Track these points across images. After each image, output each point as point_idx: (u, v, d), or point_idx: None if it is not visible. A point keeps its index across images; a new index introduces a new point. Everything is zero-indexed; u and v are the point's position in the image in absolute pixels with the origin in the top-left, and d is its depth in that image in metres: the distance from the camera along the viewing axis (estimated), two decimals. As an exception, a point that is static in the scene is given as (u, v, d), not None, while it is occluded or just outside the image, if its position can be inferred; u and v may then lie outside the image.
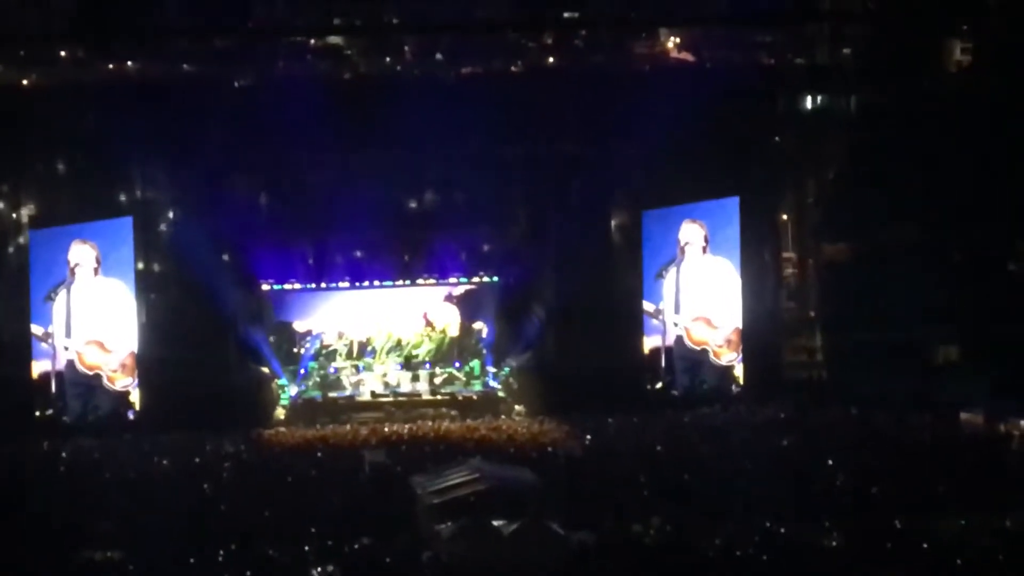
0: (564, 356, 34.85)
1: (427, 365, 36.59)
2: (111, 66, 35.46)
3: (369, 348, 36.57)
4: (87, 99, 33.94)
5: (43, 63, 35.32)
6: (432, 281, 37.02)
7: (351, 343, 36.46)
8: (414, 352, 36.47)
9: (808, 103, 37.06)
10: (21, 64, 35.24)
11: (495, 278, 37.09)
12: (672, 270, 34.89)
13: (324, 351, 36.31)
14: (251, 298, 36.22)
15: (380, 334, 36.64)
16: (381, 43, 36.12)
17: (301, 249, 36.70)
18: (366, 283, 36.71)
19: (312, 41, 36.12)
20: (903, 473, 23.36)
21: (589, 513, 20.51)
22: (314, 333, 36.42)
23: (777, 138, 36.72)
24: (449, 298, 36.93)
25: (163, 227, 35.30)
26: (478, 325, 37.12)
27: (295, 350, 36.15)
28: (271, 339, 36.07)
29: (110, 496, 23.73)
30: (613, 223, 35.69)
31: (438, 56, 36.16)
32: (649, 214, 34.89)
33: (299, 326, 36.49)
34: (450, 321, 36.94)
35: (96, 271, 33.29)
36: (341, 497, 22.84)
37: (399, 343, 36.43)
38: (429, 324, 36.82)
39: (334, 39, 36.08)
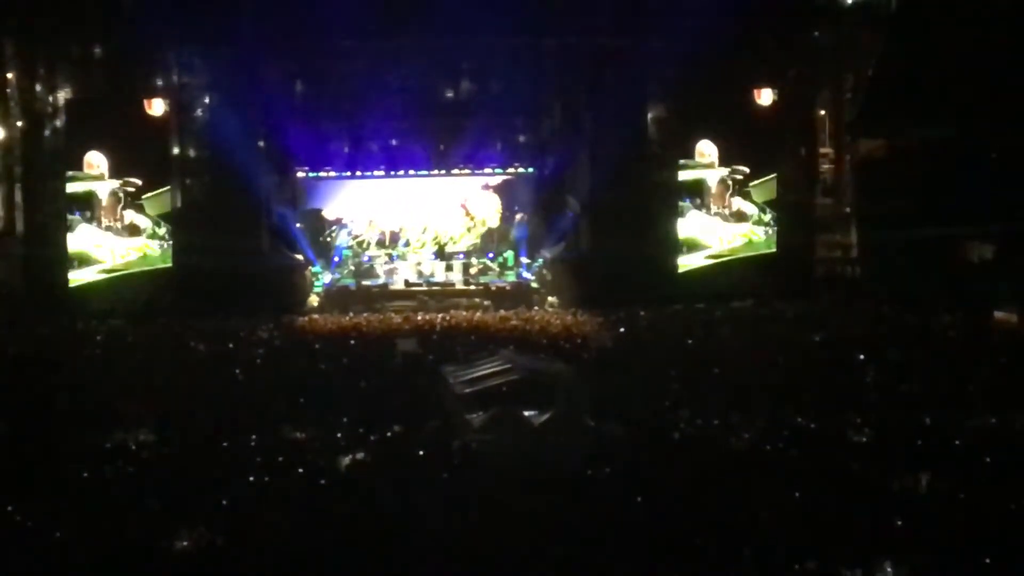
0: (598, 248, 34.86)
1: (461, 255, 36.66)
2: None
3: (403, 240, 36.66)
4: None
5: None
6: (467, 171, 37.06)
7: (384, 233, 36.54)
8: (452, 243, 36.54)
9: (849, -5, 36.74)
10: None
11: (530, 169, 37.10)
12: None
13: (357, 240, 36.41)
14: (286, 185, 36.31)
15: (415, 225, 36.71)
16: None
17: (336, 137, 36.72)
18: (401, 172, 36.76)
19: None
20: (935, 371, 23.30)
21: (619, 405, 20.51)
22: (343, 222, 36.51)
23: (816, 32, 36.41)
24: (488, 188, 36.96)
25: (199, 112, 35.24)
26: (509, 216, 37.21)
27: (325, 239, 36.27)
28: (305, 227, 36.20)
29: (143, 379, 23.86)
30: (649, 115, 35.52)
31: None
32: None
33: (331, 214, 36.59)
34: (489, 211, 36.97)
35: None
36: (372, 385, 22.93)
37: (436, 237, 36.48)
38: (468, 214, 36.86)
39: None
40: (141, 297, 33.25)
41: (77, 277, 33.79)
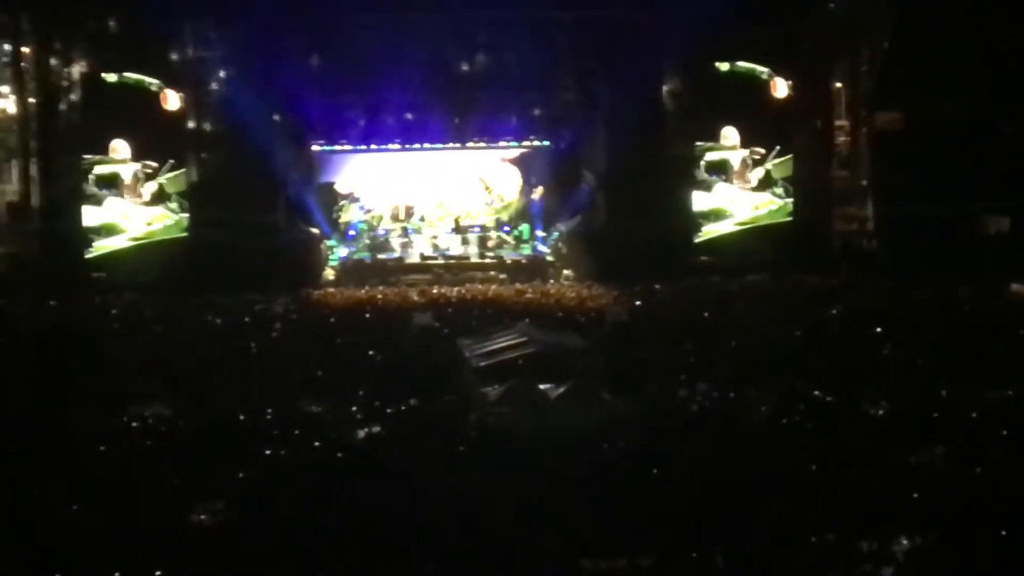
0: (613, 221, 34.83)
1: (477, 228, 36.66)
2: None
3: (419, 214, 36.70)
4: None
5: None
6: (483, 144, 37.06)
7: (398, 207, 36.60)
8: (468, 217, 36.58)
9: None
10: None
11: (546, 142, 37.08)
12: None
13: (369, 214, 36.46)
14: (302, 159, 36.32)
15: (430, 198, 36.76)
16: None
17: (352, 110, 36.68)
18: (416, 145, 36.76)
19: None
20: (951, 344, 23.26)
21: (635, 378, 20.52)
22: (354, 196, 36.58)
23: (832, 4, 36.32)
24: (508, 160, 37.01)
25: (214, 86, 35.25)
26: (528, 189, 37.23)
27: (335, 213, 36.34)
28: (319, 201, 36.24)
29: (160, 353, 23.92)
30: (664, 88, 35.46)
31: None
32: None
33: (345, 188, 36.65)
34: (508, 185, 37.04)
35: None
36: (388, 358, 22.96)
37: (455, 217, 36.52)
38: (487, 188, 36.91)
39: None
40: (160, 264, 33.46)
41: (106, 245, 34.18)
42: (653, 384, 20.48)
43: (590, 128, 36.19)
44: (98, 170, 34.48)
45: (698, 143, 35.09)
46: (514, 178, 37.47)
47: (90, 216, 34.42)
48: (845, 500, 14.19)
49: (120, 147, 34.43)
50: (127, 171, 34.52)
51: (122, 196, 34.30)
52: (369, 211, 37.19)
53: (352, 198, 37.24)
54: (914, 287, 29.52)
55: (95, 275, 33.49)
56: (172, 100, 34.32)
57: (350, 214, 37.01)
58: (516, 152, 37.37)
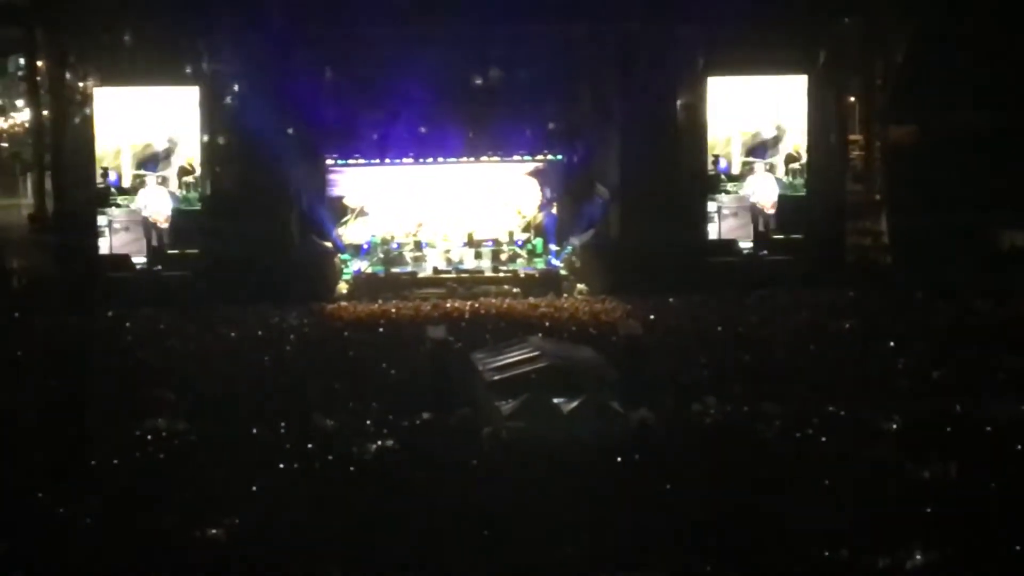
0: (627, 235, 34.78)
1: (490, 242, 36.65)
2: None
3: (432, 227, 36.71)
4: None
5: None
6: (496, 158, 37.08)
7: (409, 222, 36.70)
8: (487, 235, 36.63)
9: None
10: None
11: (559, 156, 37.09)
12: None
13: (377, 233, 36.54)
14: (315, 173, 36.34)
15: (444, 212, 36.83)
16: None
17: (366, 124, 36.68)
18: (430, 159, 36.81)
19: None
20: (965, 358, 23.26)
21: (649, 392, 20.53)
22: (364, 210, 36.66)
23: (848, 18, 36.28)
24: (531, 174, 37.13)
25: (229, 100, 35.26)
26: (542, 203, 37.26)
27: (339, 226, 36.41)
28: (329, 216, 36.30)
29: (174, 366, 23.96)
30: (678, 103, 35.43)
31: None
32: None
33: (357, 202, 36.74)
34: (530, 201, 37.18)
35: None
36: (401, 372, 22.98)
37: (470, 237, 36.55)
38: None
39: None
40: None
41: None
42: (667, 397, 20.50)
43: (603, 141, 36.14)
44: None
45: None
46: (535, 193, 37.45)
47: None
48: (859, 515, 14.18)
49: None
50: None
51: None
52: (370, 226, 36.98)
53: (362, 212, 37.20)
54: (929, 301, 29.49)
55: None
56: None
57: (356, 228, 36.90)
58: (533, 166, 37.35)
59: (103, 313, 30.00)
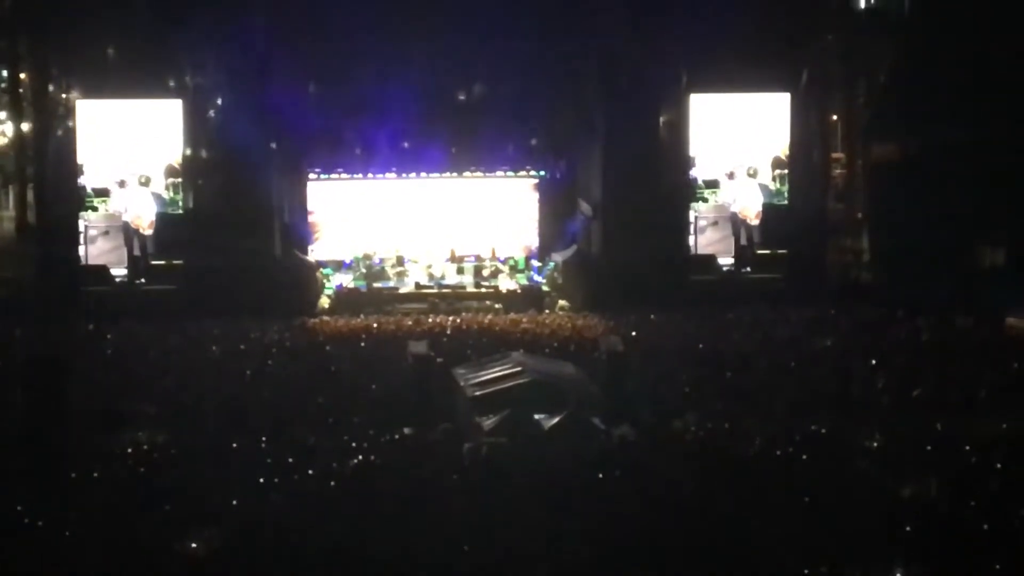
0: (609, 251, 34.80)
1: (472, 258, 36.68)
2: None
3: (413, 244, 36.73)
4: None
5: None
6: (479, 173, 37.15)
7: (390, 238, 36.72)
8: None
9: (862, 1, 36.72)
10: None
11: (541, 172, 37.16)
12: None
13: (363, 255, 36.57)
14: (298, 187, 36.34)
15: (426, 227, 36.89)
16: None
17: (348, 139, 36.73)
18: (412, 174, 36.86)
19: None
20: (946, 376, 23.28)
21: (630, 408, 20.53)
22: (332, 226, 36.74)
23: (830, 36, 36.40)
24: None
25: (211, 113, 35.22)
26: (524, 218, 37.35)
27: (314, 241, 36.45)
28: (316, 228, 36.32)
29: (155, 380, 23.89)
30: (661, 119, 35.48)
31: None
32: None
33: (339, 215, 36.79)
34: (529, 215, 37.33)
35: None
36: (383, 387, 22.95)
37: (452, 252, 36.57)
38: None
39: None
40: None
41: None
42: (648, 414, 20.49)
43: (586, 158, 36.19)
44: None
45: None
46: (534, 208, 37.48)
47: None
48: (838, 532, 14.18)
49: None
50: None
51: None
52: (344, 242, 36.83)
53: (330, 229, 37.14)
54: (910, 319, 29.51)
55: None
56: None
57: (327, 244, 36.81)
58: (507, 183, 37.41)
59: (83, 326, 29.88)
